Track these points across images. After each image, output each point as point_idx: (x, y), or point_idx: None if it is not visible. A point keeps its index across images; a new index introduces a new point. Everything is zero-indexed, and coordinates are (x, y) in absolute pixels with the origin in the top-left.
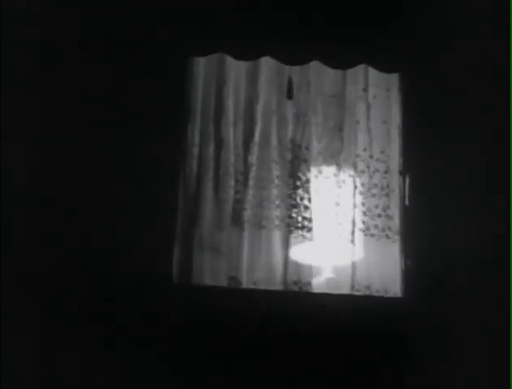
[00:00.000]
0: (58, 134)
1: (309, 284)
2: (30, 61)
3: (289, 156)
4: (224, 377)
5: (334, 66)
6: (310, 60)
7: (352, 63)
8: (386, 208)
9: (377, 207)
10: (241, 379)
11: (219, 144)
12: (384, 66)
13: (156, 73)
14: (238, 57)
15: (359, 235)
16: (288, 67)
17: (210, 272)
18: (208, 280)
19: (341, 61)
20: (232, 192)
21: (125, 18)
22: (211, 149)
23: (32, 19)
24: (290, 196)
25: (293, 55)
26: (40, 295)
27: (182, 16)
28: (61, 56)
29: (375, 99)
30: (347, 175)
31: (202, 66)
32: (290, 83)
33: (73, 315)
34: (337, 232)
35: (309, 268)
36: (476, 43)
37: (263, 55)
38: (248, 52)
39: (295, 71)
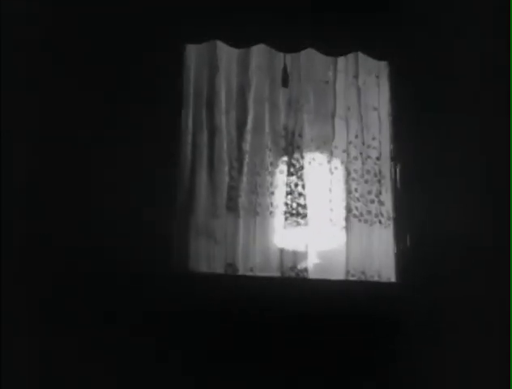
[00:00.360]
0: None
1: (306, 269)
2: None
3: (282, 142)
4: (222, 362)
5: (328, 54)
6: (305, 47)
7: (346, 50)
8: (378, 194)
9: (369, 193)
10: (240, 363)
11: (213, 131)
12: (376, 53)
13: (150, 61)
14: (233, 44)
15: (353, 221)
16: (280, 54)
17: (206, 260)
18: (205, 268)
19: (335, 48)
20: (226, 179)
21: (123, 8)
22: (204, 136)
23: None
24: (284, 183)
25: (288, 42)
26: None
27: (177, 2)
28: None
29: (365, 85)
30: (339, 162)
31: (193, 52)
32: (285, 71)
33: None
34: (331, 218)
35: (305, 254)
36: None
37: (258, 43)
38: (243, 39)
39: (287, 58)
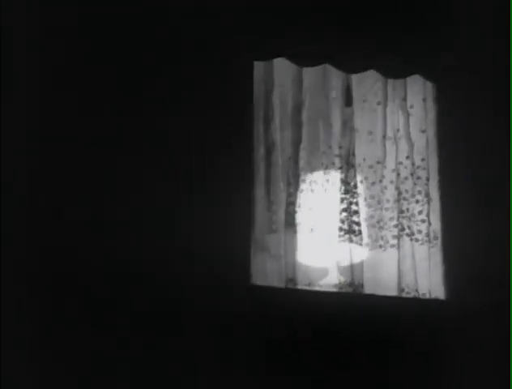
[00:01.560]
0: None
1: (362, 285)
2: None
3: (337, 161)
4: (279, 375)
5: (389, 76)
6: (367, 68)
7: (403, 73)
8: (428, 214)
9: (420, 212)
10: (295, 376)
11: (270, 148)
12: (431, 76)
13: (219, 77)
14: (298, 63)
15: (405, 239)
16: (335, 73)
17: (264, 274)
18: (264, 282)
19: (396, 70)
20: (284, 195)
21: (185, 18)
22: (261, 152)
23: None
24: (339, 200)
25: (352, 63)
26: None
27: (245, 19)
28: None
29: (412, 108)
30: (389, 181)
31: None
32: (349, 90)
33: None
34: (382, 235)
35: (359, 271)
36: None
37: (323, 62)
38: (308, 58)
39: (341, 79)
